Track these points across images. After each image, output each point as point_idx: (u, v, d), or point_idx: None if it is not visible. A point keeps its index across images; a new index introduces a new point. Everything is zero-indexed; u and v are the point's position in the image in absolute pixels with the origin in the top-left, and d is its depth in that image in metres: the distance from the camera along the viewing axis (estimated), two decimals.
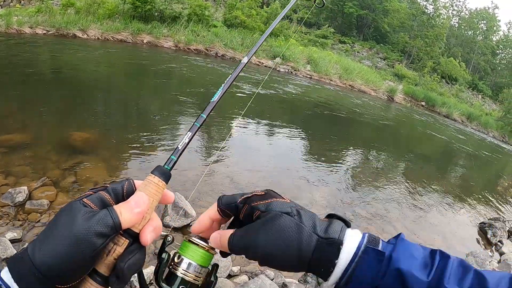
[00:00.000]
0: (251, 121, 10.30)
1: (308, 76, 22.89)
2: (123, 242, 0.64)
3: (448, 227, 7.69)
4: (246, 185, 6.37)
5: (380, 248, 0.65)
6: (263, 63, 21.62)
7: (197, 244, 0.76)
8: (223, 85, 0.97)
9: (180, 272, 0.73)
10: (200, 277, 0.74)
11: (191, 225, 4.74)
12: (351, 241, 0.66)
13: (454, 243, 7.01)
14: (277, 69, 21.73)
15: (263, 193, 0.76)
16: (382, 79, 29.49)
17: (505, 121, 31.77)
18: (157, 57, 15.83)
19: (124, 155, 6.19)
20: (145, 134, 7.30)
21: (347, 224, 0.71)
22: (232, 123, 9.62)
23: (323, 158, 9.33)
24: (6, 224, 3.97)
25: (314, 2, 1.64)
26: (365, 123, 15.48)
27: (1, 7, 17.28)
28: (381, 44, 40.84)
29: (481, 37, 48.89)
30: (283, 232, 0.67)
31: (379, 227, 6.48)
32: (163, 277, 0.74)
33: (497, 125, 31.19)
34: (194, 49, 19.18)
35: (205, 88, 12.64)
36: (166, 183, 0.74)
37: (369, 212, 6.89)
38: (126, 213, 0.64)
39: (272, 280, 4.13)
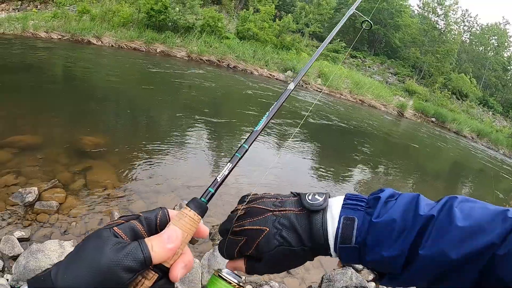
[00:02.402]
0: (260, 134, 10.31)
1: (319, 90, 22.91)
2: (152, 276, 0.62)
3: None
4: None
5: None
6: (274, 75, 21.70)
7: (230, 282, 0.75)
8: (267, 113, 0.94)
9: None
10: None
11: (198, 240, 4.75)
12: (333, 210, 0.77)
13: None
14: (288, 82, 21.73)
15: (243, 213, 0.86)
16: (393, 94, 29.44)
17: None
18: (170, 67, 15.96)
19: (133, 162, 6.22)
20: (154, 142, 7.35)
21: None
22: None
23: (330, 172, 9.30)
24: (15, 223, 4.01)
25: (362, 24, 1.64)
26: (374, 138, 15.42)
27: (18, 11, 17.60)
28: (392, 59, 40.84)
29: (492, 53, 48.66)
30: (283, 265, 0.80)
31: None
32: None
33: (507, 142, 30.90)
34: (206, 60, 19.33)
35: (215, 98, 12.72)
36: (202, 216, 0.72)
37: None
38: (158, 248, 0.62)
39: None
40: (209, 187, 0.79)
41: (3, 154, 5.27)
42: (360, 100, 24.62)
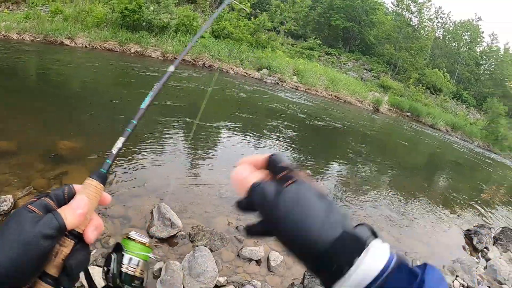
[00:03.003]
0: (238, 130, 10.32)
1: (295, 87, 23.02)
2: (69, 243, 0.68)
3: (434, 234, 7.76)
4: (233, 196, 6.34)
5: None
6: (250, 74, 21.70)
7: (140, 242, 0.82)
8: (151, 92, 1.01)
9: (130, 270, 0.78)
10: (144, 271, 0.80)
11: (177, 236, 4.73)
12: (380, 250, 0.58)
13: (440, 250, 7.08)
14: (264, 80, 21.80)
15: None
16: (368, 90, 29.80)
17: (489, 130, 32.32)
18: (144, 67, 15.77)
19: (112, 165, 6.14)
20: (130, 145, 7.26)
21: (375, 235, 0.64)
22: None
23: (309, 168, 9.37)
24: None
25: (239, 12, 1.75)
26: (351, 134, 15.60)
27: None
28: (367, 56, 41.34)
29: (465, 48, 49.79)
30: (311, 208, 0.63)
31: None
32: (117, 277, 0.77)
33: (481, 134, 31.69)
34: (181, 60, 19.14)
35: (192, 99, 12.65)
36: (104, 185, 0.80)
37: (355, 222, 6.86)
38: (70, 215, 0.68)
39: None
40: (106, 159, 0.87)
41: None
42: (336, 96, 24.85)
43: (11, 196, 4.40)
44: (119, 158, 6.47)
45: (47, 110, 8.18)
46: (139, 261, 0.79)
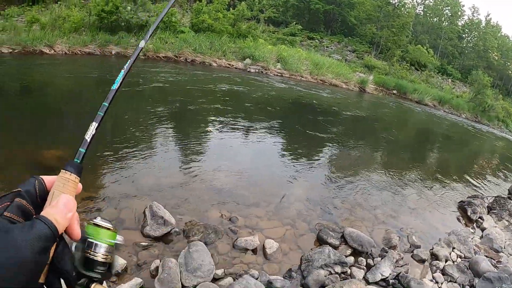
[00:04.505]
0: (225, 122, 10.29)
1: (279, 74, 22.98)
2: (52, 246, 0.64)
3: (428, 208, 7.85)
4: (224, 188, 6.37)
5: None
6: (233, 65, 21.61)
7: (105, 228, 0.79)
8: (122, 71, 0.99)
9: (99, 257, 0.76)
10: (110, 256, 0.78)
11: (171, 233, 4.72)
12: None
13: (435, 223, 7.16)
14: (248, 70, 21.74)
15: None
16: (353, 71, 29.82)
17: (475, 102, 32.60)
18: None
19: (99, 170, 6.11)
20: (118, 147, 7.22)
21: None
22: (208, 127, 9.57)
23: (300, 154, 9.40)
24: None
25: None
26: (339, 116, 15.64)
27: None
28: (349, 37, 41.29)
29: (446, 23, 49.98)
30: None
31: (360, 216, 6.57)
32: (83, 264, 0.75)
33: (468, 106, 31.94)
34: (163, 57, 19.04)
35: (176, 96, 12.59)
36: (80, 176, 0.77)
37: (349, 203, 6.98)
38: (61, 219, 0.65)
39: (256, 279, 4.15)
40: (79, 147, 0.83)
41: None
42: (321, 80, 24.86)
43: None
44: (106, 160, 6.44)
45: (30, 121, 8.07)
46: (102, 246, 0.77)
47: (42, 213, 0.65)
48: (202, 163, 7.23)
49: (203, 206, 5.66)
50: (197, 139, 8.76)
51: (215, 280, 4.17)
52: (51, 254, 0.62)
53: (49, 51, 15.43)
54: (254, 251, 4.82)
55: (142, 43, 1.10)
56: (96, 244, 0.76)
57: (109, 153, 6.80)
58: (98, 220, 0.80)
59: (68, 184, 0.74)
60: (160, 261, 4.13)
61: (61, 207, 0.67)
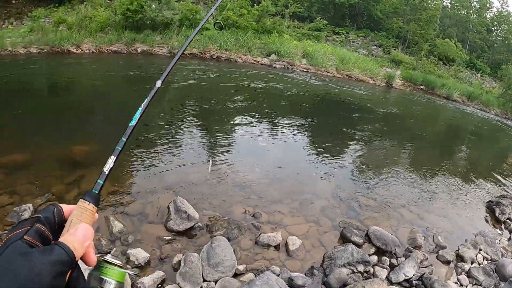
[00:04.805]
0: (252, 118, 10.31)
1: (305, 70, 22.82)
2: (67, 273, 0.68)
3: (455, 208, 7.68)
4: (248, 184, 6.40)
5: None
6: (258, 61, 21.60)
7: (115, 264, 0.83)
8: (140, 108, 1.07)
9: None
10: None
11: (194, 227, 4.79)
12: None
13: (462, 223, 7.00)
14: (273, 65, 21.68)
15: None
16: (379, 66, 29.34)
17: (506, 98, 31.55)
18: (152, 66, 15.81)
19: (125, 165, 6.22)
20: (144, 143, 7.34)
21: None
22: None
23: (326, 151, 9.34)
24: None
25: (214, 26, 1.92)
26: (365, 112, 15.42)
27: None
28: (375, 32, 40.62)
29: (474, 16, 48.56)
30: None
31: (385, 214, 6.50)
32: None
33: (498, 102, 30.99)
34: (188, 54, 19.18)
35: (204, 92, 12.67)
36: (97, 206, 0.83)
37: (375, 200, 6.90)
38: (79, 247, 0.69)
39: (278, 275, 4.17)
40: (98, 179, 0.89)
41: None
42: (347, 75, 24.56)
43: (31, 205, 4.51)
44: (132, 156, 6.56)
45: (59, 118, 8.30)
46: (112, 282, 0.80)
47: (60, 240, 0.69)
48: (228, 159, 7.28)
49: (227, 201, 5.71)
50: (224, 136, 8.82)
51: (236, 275, 4.21)
52: (66, 279, 0.65)
53: (76, 50, 15.77)
54: (277, 247, 4.84)
55: (158, 83, 1.18)
56: (105, 281, 0.80)
57: (137, 148, 6.93)
58: (109, 257, 0.83)
59: (86, 213, 0.79)
60: (183, 255, 4.19)
61: (80, 235, 0.71)
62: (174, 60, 1.29)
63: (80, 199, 0.82)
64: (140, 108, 1.07)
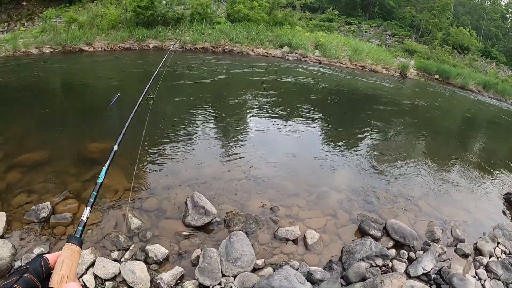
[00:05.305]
0: (266, 111, 10.28)
1: (318, 61, 22.66)
2: None
3: (473, 200, 7.55)
4: (265, 178, 6.38)
5: None
6: (271, 53, 21.51)
7: None
8: (104, 168, 1.32)
9: None
10: None
11: (212, 222, 4.79)
12: None
13: (480, 216, 6.89)
14: (286, 57, 21.57)
15: None
16: (393, 56, 29.00)
17: None
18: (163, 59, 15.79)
19: (141, 162, 6.24)
20: (160, 139, 7.36)
21: None
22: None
23: (341, 143, 9.27)
24: (33, 240, 4.08)
25: (146, 100, 2.56)
26: (380, 103, 15.25)
27: (6, 32, 17.58)
28: (388, 21, 40.13)
29: (489, 3, 47.68)
30: None
31: (402, 207, 6.43)
32: None
33: None
34: (200, 48, 19.18)
35: (217, 87, 12.66)
36: (81, 249, 0.99)
37: (392, 193, 6.83)
38: None
39: (297, 270, 4.16)
40: (77, 226, 1.06)
41: (13, 175, 5.33)
42: (360, 66, 24.31)
43: (48, 203, 4.56)
44: (148, 152, 6.59)
45: (74, 116, 8.38)
46: None
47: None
48: (244, 153, 7.27)
49: (244, 196, 5.70)
50: (238, 129, 8.82)
51: (255, 270, 4.21)
52: None
53: (89, 48, 15.89)
54: (295, 241, 4.82)
55: (115, 147, 1.54)
56: None
57: (153, 144, 6.97)
58: None
59: (74, 254, 0.94)
60: (201, 250, 4.20)
61: None
62: (130, 118, 1.60)
63: (66, 243, 0.96)
64: (104, 168, 1.32)
